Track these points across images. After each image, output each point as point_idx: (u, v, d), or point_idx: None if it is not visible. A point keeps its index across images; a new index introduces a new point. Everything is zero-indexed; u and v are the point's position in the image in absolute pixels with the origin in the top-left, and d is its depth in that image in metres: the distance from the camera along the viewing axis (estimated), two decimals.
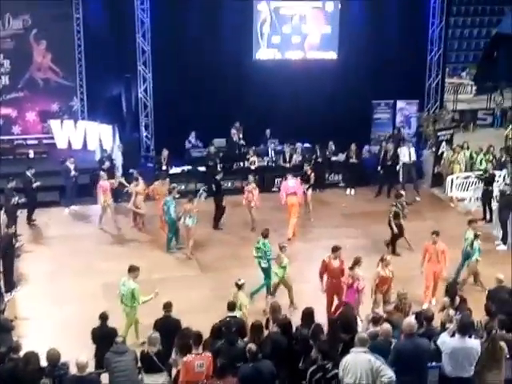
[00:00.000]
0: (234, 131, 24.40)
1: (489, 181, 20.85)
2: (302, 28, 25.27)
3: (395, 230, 18.41)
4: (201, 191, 19.87)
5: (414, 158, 23.51)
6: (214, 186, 20.67)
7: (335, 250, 14.76)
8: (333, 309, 14.34)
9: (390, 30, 25.60)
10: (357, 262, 14.39)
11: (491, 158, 23.21)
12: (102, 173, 20.46)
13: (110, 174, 21.04)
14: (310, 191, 21.21)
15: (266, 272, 15.78)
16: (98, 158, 22.75)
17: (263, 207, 20.37)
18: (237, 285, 13.52)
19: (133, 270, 13.83)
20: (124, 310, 13.78)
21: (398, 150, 23.78)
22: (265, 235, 16.00)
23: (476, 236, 16.42)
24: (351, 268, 14.36)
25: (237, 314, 12.19)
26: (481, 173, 21.65)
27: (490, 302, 12.39)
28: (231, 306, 12.22)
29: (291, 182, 20.15)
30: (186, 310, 13.80)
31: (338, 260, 14.70)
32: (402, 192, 19.50)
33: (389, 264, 14.58)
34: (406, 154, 23.30)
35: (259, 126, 24.45)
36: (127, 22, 23.41)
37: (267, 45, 25.06)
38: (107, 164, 21.62)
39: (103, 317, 11.93)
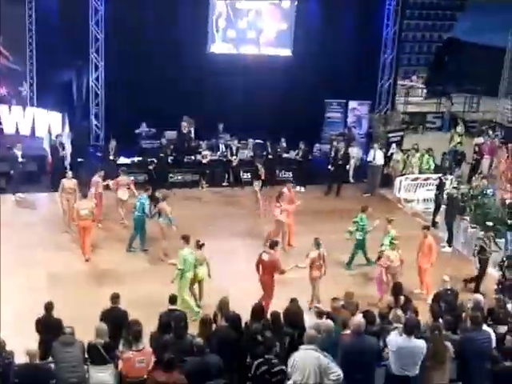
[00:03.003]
0: (184, 124, 24.21)
1: (439, 185, 21.17)
2: (258, 23, 25.27)
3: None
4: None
5: (382, 161, 23.74)
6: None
7: (271, 245, 15.06)
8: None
9: (345, 30, 25.73)
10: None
11: (432, 159, 23.60)
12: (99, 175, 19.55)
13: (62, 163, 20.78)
14: (260, 187, 21.21)
15: (360, 243, 17.58)
16: (50, 146, 22.30)
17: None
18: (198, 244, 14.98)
19: (188, 238, 14.95)
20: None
21: (349, 149, 24.04)
22: (363, 210, 17.78)
23: None
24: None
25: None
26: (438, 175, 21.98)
27: (437, 303, 12.58)
28: (172, 300, 12.25)
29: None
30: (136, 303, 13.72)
31: (268, 254, 14.86)
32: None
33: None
34: (377, 156, 23.54)
35: (212, 120, 24.34)
36: (81, 9, 22.99)
37: (222, 39, 25.00)
38: (62, 153, 21.34)
39: (48, 307, 11.69)
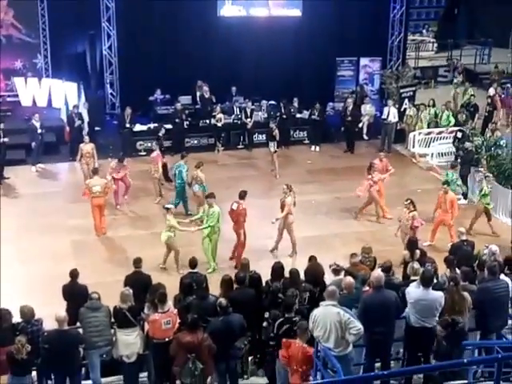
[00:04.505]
0: (205, 88, 24.09)
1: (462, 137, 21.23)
2: None
3: None
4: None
5: (396, 118, 23.61)
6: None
7: (241, 195, 15.70)
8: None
9: None
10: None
11: (452, 114, 23.59)
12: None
13: (80, 132, 21.11)
14: (275, 148, 21.35)
15: None
16: (67, 116, 22.49)
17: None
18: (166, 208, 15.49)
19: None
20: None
21: (362, 106, 24.07)
22: (452, 166, 18.42)
23: None
24: (412, 211, 15.75)
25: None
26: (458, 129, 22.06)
27: (453, 255, 12.78)
28: (192, 264, 12.41)
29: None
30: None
31: (237, 204, 15.56)
32: None
33: None
34: (391, 113, 23.38)
35: (225, 84, 24.40)
36: None
37: (232, 1, 24.93)
38: (78, 122, 21.55)
39: (74, 274, 11.94)
